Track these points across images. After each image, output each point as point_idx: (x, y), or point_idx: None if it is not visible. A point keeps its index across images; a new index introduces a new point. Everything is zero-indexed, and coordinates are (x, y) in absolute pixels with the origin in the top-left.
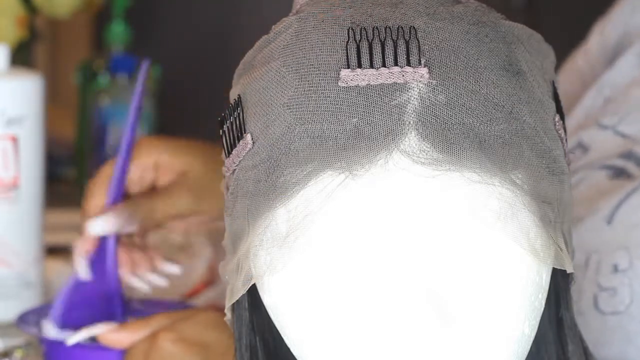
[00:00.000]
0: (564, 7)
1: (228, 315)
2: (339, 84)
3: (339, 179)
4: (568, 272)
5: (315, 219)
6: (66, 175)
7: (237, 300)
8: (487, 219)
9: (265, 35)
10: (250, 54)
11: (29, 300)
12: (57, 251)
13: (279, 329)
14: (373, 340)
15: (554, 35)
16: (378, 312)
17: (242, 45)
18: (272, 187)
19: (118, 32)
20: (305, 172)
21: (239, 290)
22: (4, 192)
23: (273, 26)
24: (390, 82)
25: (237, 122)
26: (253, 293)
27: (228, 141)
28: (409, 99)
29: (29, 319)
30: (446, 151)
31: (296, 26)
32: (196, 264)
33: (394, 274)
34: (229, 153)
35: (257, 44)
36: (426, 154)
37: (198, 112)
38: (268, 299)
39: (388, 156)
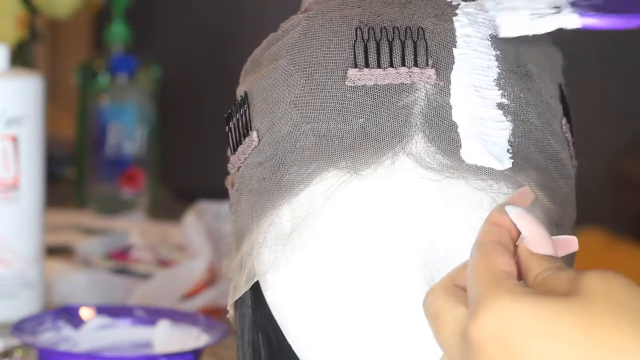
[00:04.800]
0: None
1: (230, 312)
2: (346, 83)
3: (343, 179)
4: None
5: (318, 217)
6: (66, 175)
7: (240, 298)
8: None
9: (273, 33)
10: (257, 51)
11: (29, 300)
12: (57, 251)
13: (280, 326)
14: (374, 338)
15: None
16: (379, 311)
17: (242, 46)
18: (276, 185)
19: (118, 32)
20: (309, 171)
21: (242, 288)
22: (4, 192)
23: (281, 24)
24: (398, 83)
25: (243, 119)
26: (256, 291)
27: (234, 138)
28: (415, 100)
29: (25, 326)
30: (452, 154)
31: (304, 24)
32: (196, 264)
33: (396, 275)
34: (235, 150)
35: (265, 41)
36: (432, 157)
37: (198, 112)
38: (271, 297)
39: (394, 157)
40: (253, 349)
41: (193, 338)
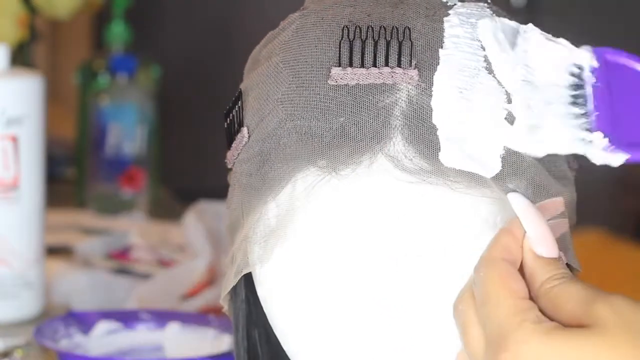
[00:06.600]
0: (564, 7)
1: (225, 306)
2: (329, 82)
3: (322, 177)
4: None
5: (299, 214)
6: (66, 175)
7: (235, 292)
8: (473, 226)
9: (272, 31)
10: (257, 49)
11: (28, 300)
12: (57, 251)
13: (269, 320)
14: (352, 335)
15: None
16: (356, 309)
17: (242, 46)
18: (262, 181)
19: (118, 32)
20: (291, 168)
21: (230, 282)
22: (4, 192)
23: (281, 22)
24: (379, 83)
25: (237, 116)
26: (251, 286)
27: (229, 134)
28: (396, 100)
29: (46, 332)
30: (430, 157)
31: (298, 23)
32: (196, 264)
33: (373, 273)
34: (230, 146)
35: (264, 39)
36: (410, 160)
37: (198, 112)
38: (260, 291)
39: (372, 158)
40: (248, 342)
41: (210, 339)
